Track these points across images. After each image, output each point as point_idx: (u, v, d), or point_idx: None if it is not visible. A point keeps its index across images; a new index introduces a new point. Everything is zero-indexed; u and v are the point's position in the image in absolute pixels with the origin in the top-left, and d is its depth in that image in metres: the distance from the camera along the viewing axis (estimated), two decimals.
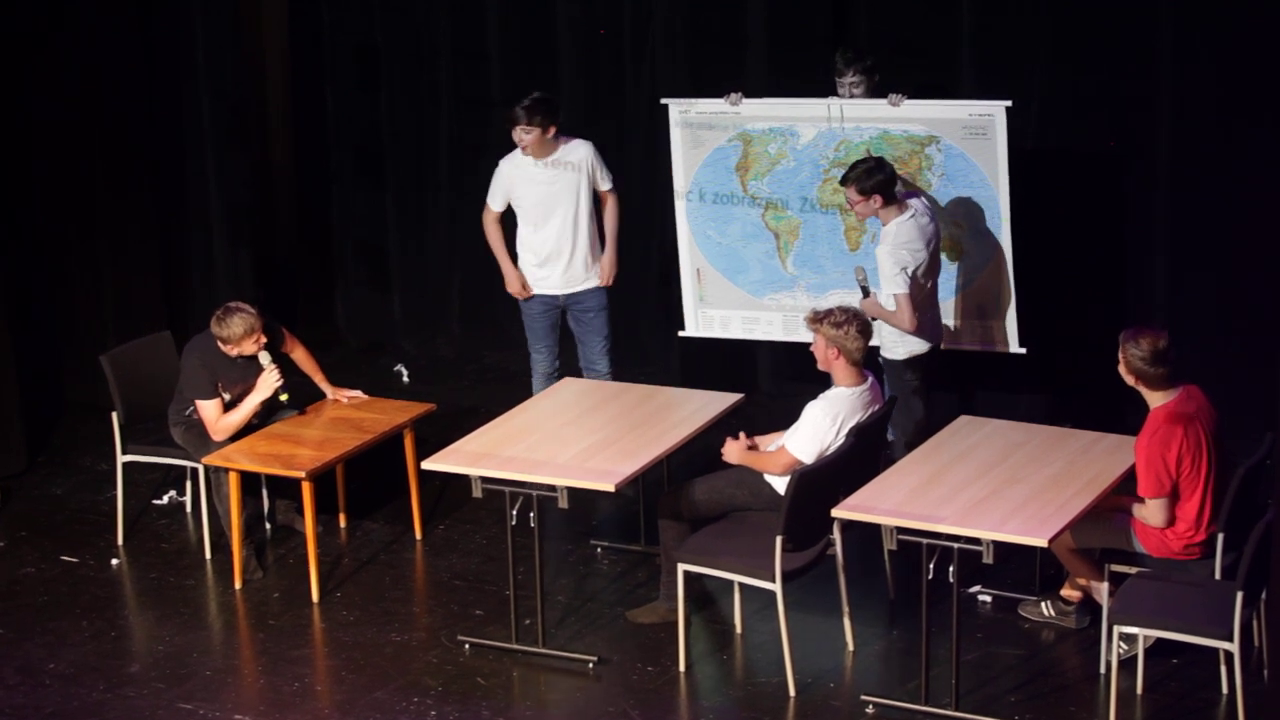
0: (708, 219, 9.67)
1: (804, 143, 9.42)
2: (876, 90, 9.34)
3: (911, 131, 9.22)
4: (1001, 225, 9.14)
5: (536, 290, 9.58)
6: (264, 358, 8.88)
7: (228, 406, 8.83)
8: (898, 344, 8.84)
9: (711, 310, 9.81)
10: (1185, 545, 7.54)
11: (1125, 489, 7.76)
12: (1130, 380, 7.58)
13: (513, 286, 9.62)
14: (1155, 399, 7.55)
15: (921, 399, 8.99)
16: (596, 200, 9.52)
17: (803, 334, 9.60)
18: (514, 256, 9.62)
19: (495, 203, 9.60)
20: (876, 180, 8.70)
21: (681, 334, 9.99)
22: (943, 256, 9.27)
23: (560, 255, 9.49)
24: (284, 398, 8.91)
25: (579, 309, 9.60)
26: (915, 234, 8.72)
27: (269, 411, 9.05)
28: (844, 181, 8.80)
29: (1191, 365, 7.71)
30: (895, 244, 8.70)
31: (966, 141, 9.11)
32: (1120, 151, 9.72)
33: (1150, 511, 7.50)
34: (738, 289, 9.74)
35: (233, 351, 8.81)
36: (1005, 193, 9.09)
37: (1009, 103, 9.02)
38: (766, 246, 9.63)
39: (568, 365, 9.78)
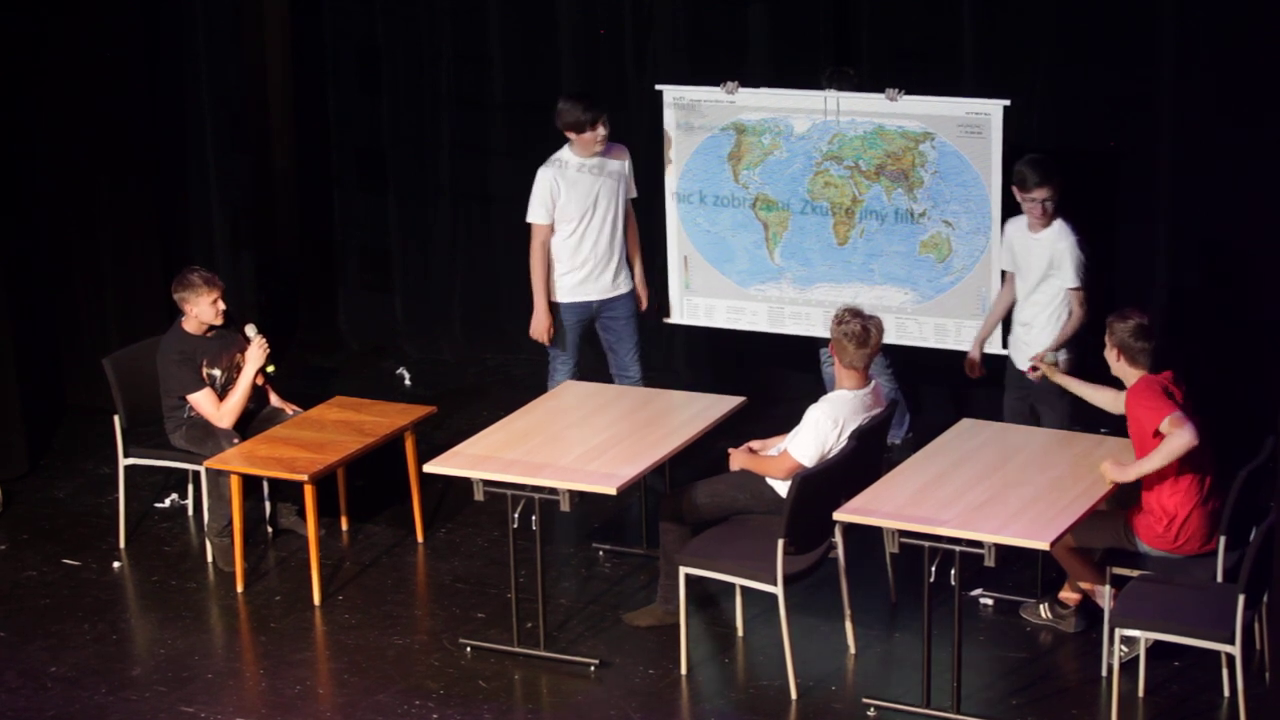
0: (697, 207, 9.69)
1: (797, 135, 9.44)
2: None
3: (907, 127, 9.24)
4: (992, 225, 9.16)
5: (574, 299, 9.40)
6: (250, 329, 8.96)
7: (223, 384, 8.88)
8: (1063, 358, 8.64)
9: (697, 298, 9.84)
10: (1181, 522, 7.56)
11: (1124, 497, 7.78)
12: (1113, 358, 7.72)
13: (539, 328, 9.39)
14: (1135, 376, 7.67)
15: None
16: None
17: (787, 325, 9.66)
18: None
19: (543, 216, 9.29)
20: (1058, 172, 8.58)
21: (666, 320, 10.00)
22: (931, 255, 9.30)
23: (602, 259, 9.40)
24: (270, 369, 8.95)
25: (610, 315, 9.51)
26: None
27: (269, 418, 9.08)
28: (1039, 183, 8.54)
29: (1191, 366, 7.72)
30: (1076, 238, 8.65)
31: (961, 139, 9.12)
32: (1120, 151, 9.72)
33: (1173, 435, 7.41)
34: (724, 278, 9.77)
35: (193, 313, 8.85)
36: (998, 193, 9.10)
37: (1007, 101, 9.04)
38: (755, 237, 9.66)
39: (598, 372, 9.72)
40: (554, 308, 9.43)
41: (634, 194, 9.53)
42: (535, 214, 9.32)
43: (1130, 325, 7.67)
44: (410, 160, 11.47)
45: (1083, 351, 8.54)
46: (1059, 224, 8.68)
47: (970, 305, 9.29)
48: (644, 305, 9.60)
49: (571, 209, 9.32)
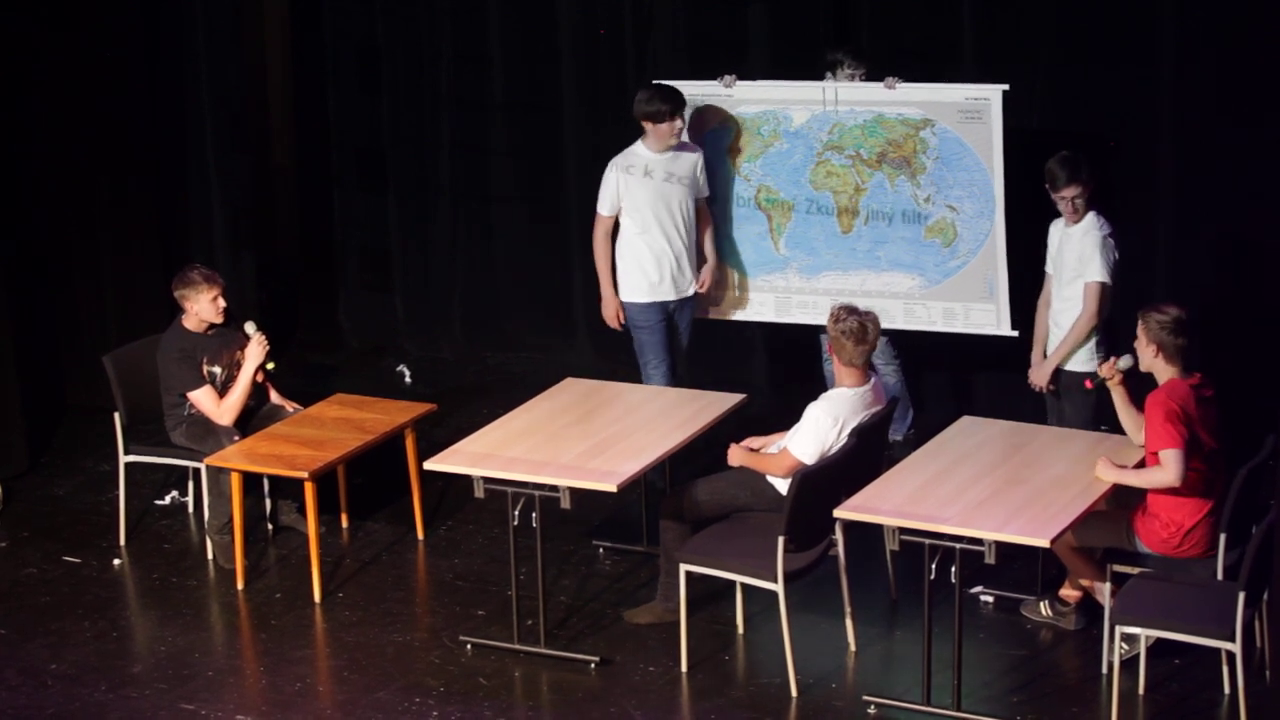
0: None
1: (796, 125, 9.46)
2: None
3: (906, 115, 9.26)
4: (995, 209, 9.18)
5: (652, 299, 9.38)
6: (250, 327, 8.95)
7: (224, 381, 8.89)
8: (1088, 356, 8.60)
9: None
10: (1187, 531, 7.54)
11: (1124, 496, 7.77)
12: (1149, 354, 7.60)
13: (609, 312, 9.45)
14: (1169, 374, 7.58)
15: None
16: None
17: (794, 315, 9.67)
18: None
19: (607, 208, 9.33)
20: (1088, 170, 8.52)
21: None
22: (937, 240, 9.31)
23: (675, 261, 9.37)
24: (270, 366, 8.96)
25: (676, 317, 9.52)
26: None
27: (269, 415, 9.09)
28: (1068, 183, 8.47)
29: (1191, 365, 7.71)
30: (1103, 234, 8.61)
31: (962, 125, 9.15)
32: (1120, 151, 9.73)
33: (1164, 469, 7.43)
34: (730, 270, 9.76)
35: (194, 311, 8.86)
36: (1000, 176, 9.13)
37: (1006, 86, 9.05)
38: (759, 228, 9.68)
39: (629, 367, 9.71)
40: (631, 308, 9.41)
41: (706, 193, 9.49)
42: (602, 205, 9.36)
43: (1168, 319, 7.57)
44: (410, 160, 11.48)
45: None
46: (1090, 218, 8.63)
47: (978, 288, 9.30)
48: (706, 286, 9.54)
49: (643, 210, 9.30)
